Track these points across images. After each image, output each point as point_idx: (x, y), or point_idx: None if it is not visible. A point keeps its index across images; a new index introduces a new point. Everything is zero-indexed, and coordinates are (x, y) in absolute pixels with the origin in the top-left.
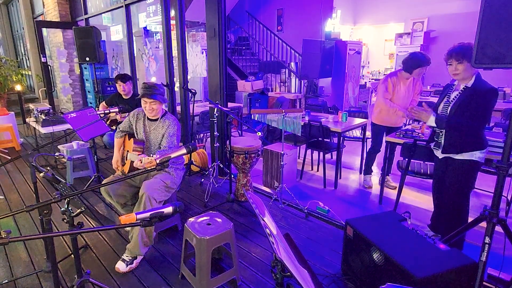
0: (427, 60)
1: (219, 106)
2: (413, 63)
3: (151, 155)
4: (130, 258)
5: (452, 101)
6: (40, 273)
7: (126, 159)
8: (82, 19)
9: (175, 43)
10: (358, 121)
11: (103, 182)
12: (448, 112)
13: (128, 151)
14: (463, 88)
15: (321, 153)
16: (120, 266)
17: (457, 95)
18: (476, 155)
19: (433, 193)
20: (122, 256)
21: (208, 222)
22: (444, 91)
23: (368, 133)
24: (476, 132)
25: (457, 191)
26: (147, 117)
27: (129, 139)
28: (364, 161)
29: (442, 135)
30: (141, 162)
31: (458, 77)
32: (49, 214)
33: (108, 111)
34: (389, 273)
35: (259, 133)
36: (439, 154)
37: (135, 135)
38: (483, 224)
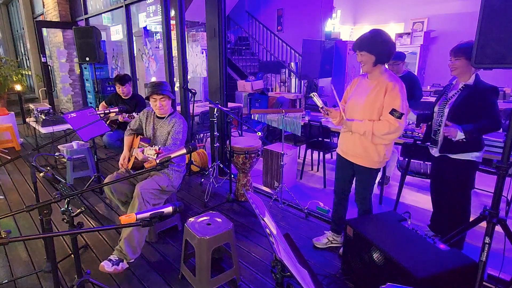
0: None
1: (219, 106)
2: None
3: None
4: (117, 258)
5: (449, 99)
6: (40, 273)
7: (131, 155)
8: (82, 19)
9: (175, 43)
10: None
11: (105, 180)
12: (446, 110)
13: (133, 148)
14: (463, 86)
15: (321, 153)
16: (106, 265)
17: (455, 93)
18: (473, 155)
19: (431, 193)
20: (110, 256)
21: (208, 222)
22: (442, 91)
23: None
24: (491, 132)
25: (457, 191)
26: (156, 115)
27: (137, 137)
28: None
29: (439, 133)
30: (143, 153)
31: (454, 73)
32: (49, 214)
33: (108, 111)
34: (389, 273)
35: (259, 133)
36: (435, 152)
37: (144, 133)
38: (483, 224)
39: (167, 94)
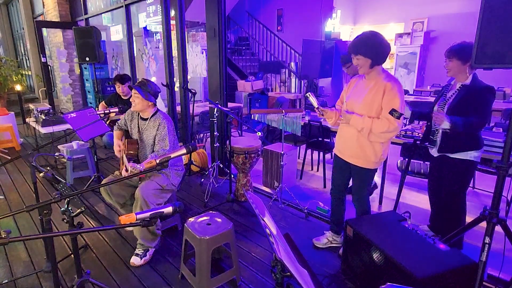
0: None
1: (219, 106)
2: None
3: (136, 164)
4: (143, 251)
5: (448, 99)
6: (40, 273)
7: (123, 161)
8: (82, 19)
9: (175, 43)
10: None
11: (102, 182)
12: (445, 110)
13: (124, 152)
14: (460, 86)
15: (321, 153)
16: (135, 260)
17: (453, 93)
18: (471, 155)
19: (429, 193)
20: (135, 251)
21: (208, 222)
22: (441, 91)
23: None
24: (475, 131)
25: (454, 191)
26: (140, 117)
27: (126, 139)
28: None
29: (438, 133)
30: (127, 172)
31: (450, 74)
32: (49, 214)
33: (108, 111)
34: (389, 273)
35: (259, 133)
36: (434, 152)
37: (130, 135)
38: (483, 224)
39: (139, 91)
